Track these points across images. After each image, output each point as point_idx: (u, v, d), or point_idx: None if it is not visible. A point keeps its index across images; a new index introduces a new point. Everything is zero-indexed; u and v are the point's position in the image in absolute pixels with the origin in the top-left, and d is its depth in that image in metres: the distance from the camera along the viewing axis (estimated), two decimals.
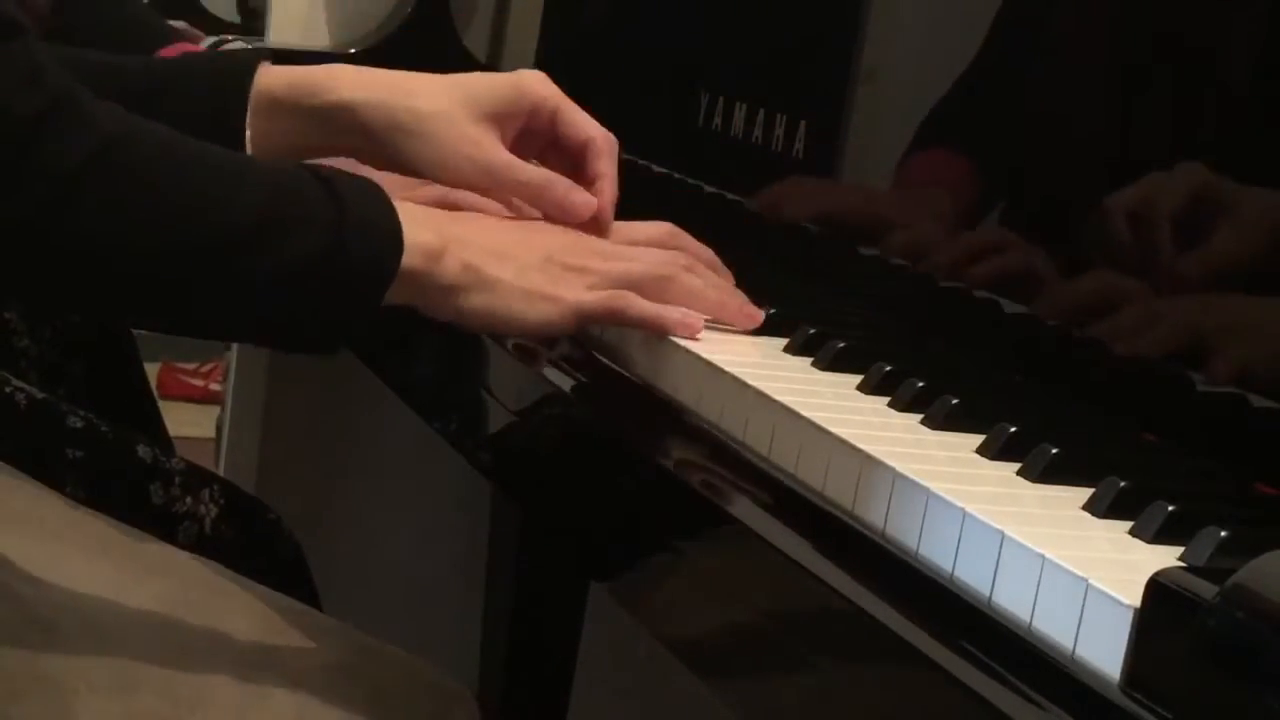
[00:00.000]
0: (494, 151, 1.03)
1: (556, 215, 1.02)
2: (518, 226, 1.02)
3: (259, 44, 1.76)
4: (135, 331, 1.55)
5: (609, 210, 1.03)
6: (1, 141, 0.82)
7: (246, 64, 1.10)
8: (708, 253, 1.04)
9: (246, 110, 1.07)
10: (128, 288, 0.89)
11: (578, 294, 0.96)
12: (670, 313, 0.97)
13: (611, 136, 1.06)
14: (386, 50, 1.66)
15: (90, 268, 0.87)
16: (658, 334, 0.96)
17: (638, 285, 0.98)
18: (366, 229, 0.91)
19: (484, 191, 1.04)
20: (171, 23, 1.68)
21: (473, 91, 1.05)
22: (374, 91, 1.06)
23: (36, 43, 0.85)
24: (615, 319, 0.98)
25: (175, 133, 0.90)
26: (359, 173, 0.97)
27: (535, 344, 1.04)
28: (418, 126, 1.04)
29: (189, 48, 1.48)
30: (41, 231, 0.84)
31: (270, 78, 1.08)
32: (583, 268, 0.98)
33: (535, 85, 1.06)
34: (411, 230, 0.92)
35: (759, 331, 0.98)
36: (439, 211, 1.00)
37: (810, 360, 0.93)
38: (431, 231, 0.94)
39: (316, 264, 0.89)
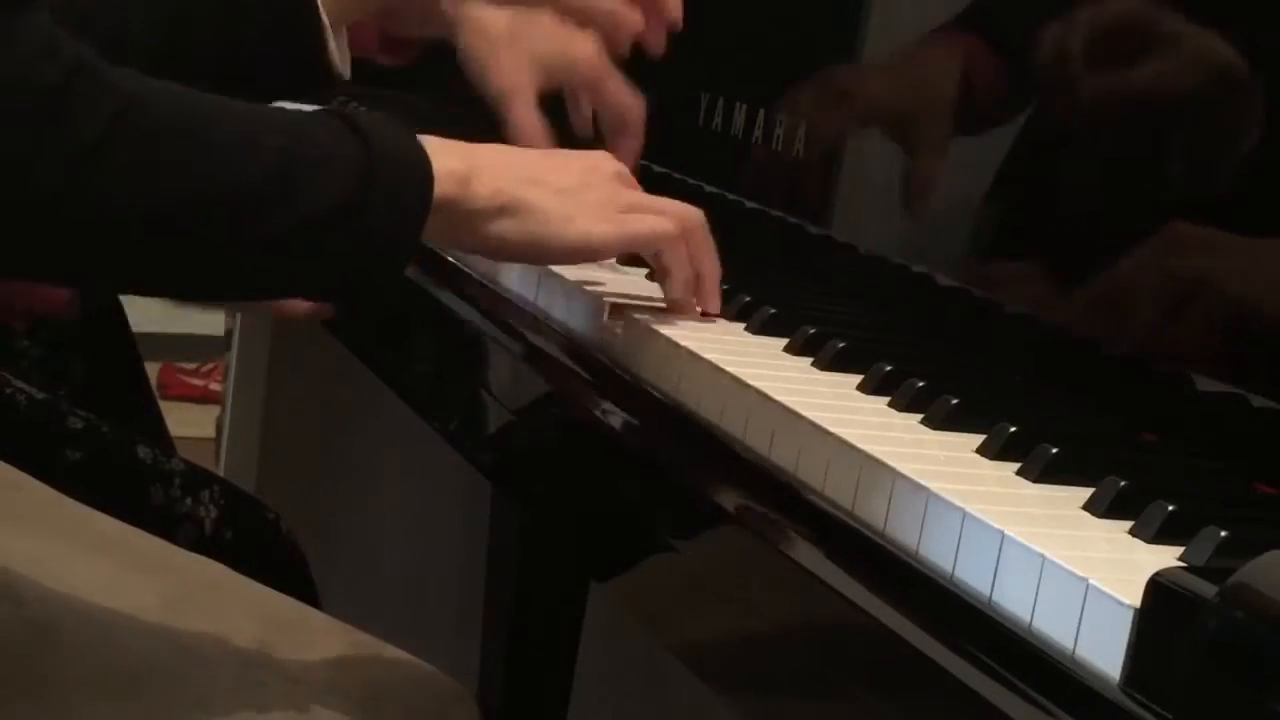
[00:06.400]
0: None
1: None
2: (544, 155, 1.02)
3: None
4: (135, 331, 1.55)
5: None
6: (28, 113, 0.80)
7: None
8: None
9: None
10: (159, 251, 0.87)
11: (619, 215, 0.97)
12: (688, 283, 0.98)
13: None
14: None
15: (118, 233, 0.85)
16: (676, 287, 0.99)
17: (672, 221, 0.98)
18: (395, 161, 0.90)
19: None
20: None
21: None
22: None
23: (48, 14, 0.83)
24: (663, 244, 0.98)
25: (188, 89, 0.88)
26: None
27: (533, 344, 1.04)
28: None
29: None
30: (71, 200, 0.82)
31: None
32: (618, 190, 0.98)
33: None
34: (438, 158, 0.92)
35: (759, 331, 0.98)
36: (461, 143, 0.99)
37: (810, 360, 0.93)
38: (457, 158, 0.93)
39: (351, 203, 0.87)
